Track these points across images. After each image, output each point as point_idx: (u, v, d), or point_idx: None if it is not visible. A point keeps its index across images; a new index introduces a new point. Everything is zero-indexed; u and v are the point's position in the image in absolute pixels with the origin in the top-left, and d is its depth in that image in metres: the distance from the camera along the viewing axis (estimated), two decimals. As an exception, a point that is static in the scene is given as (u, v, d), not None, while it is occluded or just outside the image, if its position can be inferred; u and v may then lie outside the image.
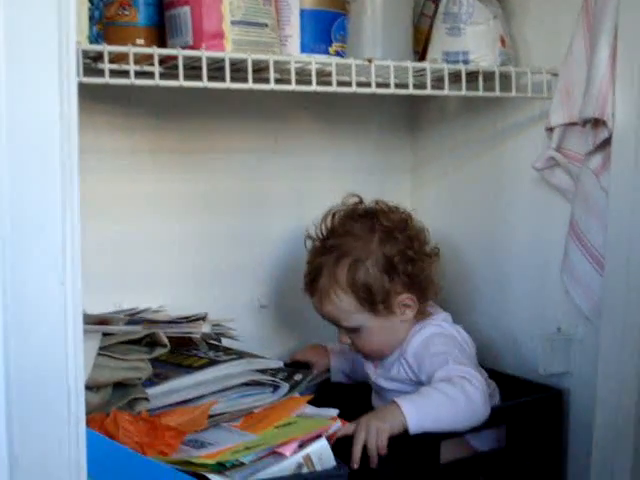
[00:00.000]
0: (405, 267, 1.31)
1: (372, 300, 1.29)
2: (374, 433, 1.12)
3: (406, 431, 1.14)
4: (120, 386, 1.02)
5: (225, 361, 1.15)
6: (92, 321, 1.09)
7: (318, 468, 1.03)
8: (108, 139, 1.42)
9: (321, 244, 1.36)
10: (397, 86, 1.21)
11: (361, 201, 1.39)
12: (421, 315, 1.35)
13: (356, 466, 1.09)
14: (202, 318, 1.22)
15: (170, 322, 1.19)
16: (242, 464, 0.98)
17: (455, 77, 1.27)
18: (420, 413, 1.15)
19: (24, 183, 0.66)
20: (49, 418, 0.70)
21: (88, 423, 0.88)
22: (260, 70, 1.14)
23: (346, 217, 1.37)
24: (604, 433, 1.18)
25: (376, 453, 1.11)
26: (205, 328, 1.16)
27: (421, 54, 1.40)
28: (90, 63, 1.07)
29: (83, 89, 1.22)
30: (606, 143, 1.18)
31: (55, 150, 0.70)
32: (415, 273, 1.32)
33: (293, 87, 1.12)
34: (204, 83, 1.07)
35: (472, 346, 1.36)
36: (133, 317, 1.21)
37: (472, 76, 1.28)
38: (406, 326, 1.33)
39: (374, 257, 1.30)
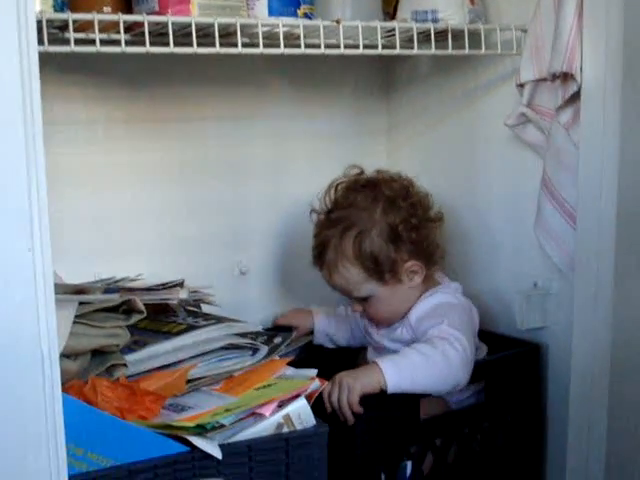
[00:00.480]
0: (410, 235, 1.32)
1: (379, 270, 1.31)
2: (345, 390, 1.14)
3: (383, 391, 1.16)
4: (98, 353, 1.03)
5: (204, 326, 1.15)
6: (69, 290, 1.10)
7: (298, 427, 1.05)
8: (82, 110, 1.42)
9: (325, 217, 1.38)
10: (367, 47, 1.21)
11: (362, 172, 1.41)
12: (430, 281, 1.38)
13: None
14: (179, 285, 1.23)
15: (147, 289, 1.20)
16: (222, 426, 1.00)
17: (425, 36, 1.27)
18: (399, 374, 1.18)
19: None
20: (24, 384, 0.71)
21: (67, 391, 0.90)
22: (228, 35, 1.14)
23: (348, 189, 1.38)
24: (580, 384, 1.21)
25: (347, 410, 1.14)
26: (182, 294, 1.17)
27: (392, 15, 1.40)
28: (57, 33, 1.07)
29: (54, 61, 1.23)
30: (575, 97, 1.19)
31: (18, 119, 0.70)
32: (420, 240, 1.33)
33: (261, 50, 1.12)
34: (170, 49, 1.06)
35: (476, 318, 1.38)
36: (110, 286, 1.22)
37: (442, 35, 1.28)
38: (415, 292, 1.35)
39: (379, 227, 1.31)
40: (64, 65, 1.31)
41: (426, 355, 1.20)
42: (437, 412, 1.28)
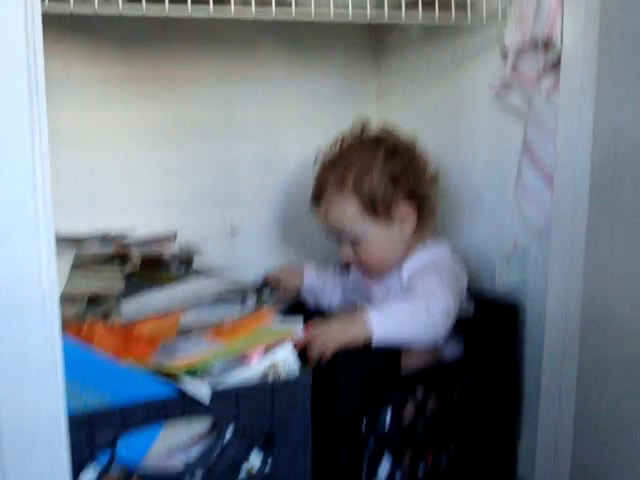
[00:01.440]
0: (407, 181, 1.39)
1: (375, 206, 1.37)
2: (330, 341, 1.20)
3: (369, 341, 1.22)
4: (94, 300, 1.08)
5: (195, 278, 1.20)
6: (67, 241, 1.15)
7: (283, 374, 1.09)
8: (77, 69, 1.46)
9: (329, 162, 1.44)
10: (356, 14, 1.25)
11: (366, 124, 1.47)
12: (420, 237, 1.43)
13: (311, 366, 1.17)
14: (172, 238, 1.28)
15: (141, 242, 1.25)
16: (211, 370, 1.04)
17: (414, 4, 1.31)
18: (385, 327, 1.23)
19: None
20: (27, 323, 0.76)
21: (66, 332, 0.94)
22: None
23: (354, 138, 1.45)
24: (553, 340, 1.26)
25: (327, 353, 1.20)
26: (174, 246, 1.22)
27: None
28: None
29: (50, 19, 1.26)
30: (556, 64, 1.23)
31: (23, 76, 0.75)
32: (416, 188, 1.40)
33: (253, 16, 1.16)
34: (166, 12, 1.10)
35: (464, 278, 1.43)
36: (106, 237, 1.26)
37: (431, 3, 1.31)
38: (405, 243, 1.41)
39: (379, 168, 1.38)
40: (60, 24, 1.34)
41: (411, 307, 1.27)
42: (429, 364, 1.35)
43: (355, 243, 1.40)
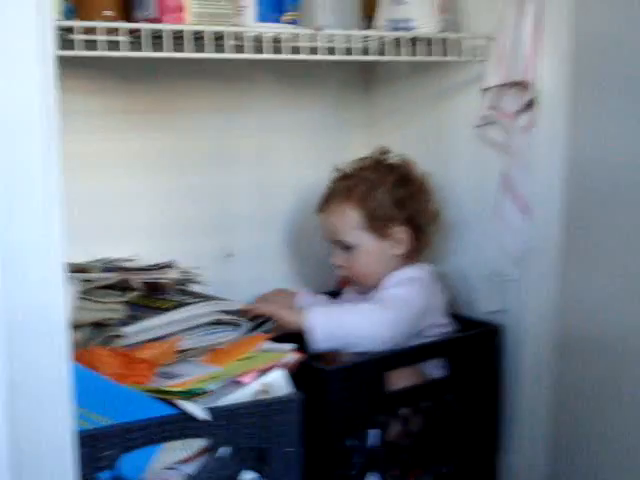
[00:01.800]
0: (409, 208, 1.49)
1: (374, 221, 1.47)
2: (271, 307, 1.34)
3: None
4: (98, 326, 1.14)
5: (192, 303, 1.27)
6: (71, 269, 1.21)
7: (275, 395, 1.15)
8: (81, 101, 1.51)
9: (343, 175, 1.54)
10: (347, 51, 1.33)
11: (387, 152, 1.58)
12: (409, 260, 1.52)
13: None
14: (169, 265, 1.35)
15: (141, 269, 1.31)
16: (207, 392, 1.10)
17: (397, 44, 1.38)
18: (325, 322, 1.33)
19: (13, 152, 0.78)
20: (43, 353, 0.83)
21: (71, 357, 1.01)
22: (219, 38, 1.25)
23: (372, 160, 1.56)
24: (531, 361, 1.33)
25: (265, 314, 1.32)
26: (173, 274, 1.29)
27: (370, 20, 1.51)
28: (62, 34, 1.17)
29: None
30: (533, 103, 1.31)
31: (37, 118, 0.82)
32: (415, 217, 1.50)
33: (247, 56, 1.23)
34: (167, 54, 1.18)
35: (439, 295, 1.52)
36: (107, 265, 1.33)
37: (416, 40, 1.39)
38: (394, 263, 1.50)
39: (386, 189, 1.49)
40: (65, 59, 1.41)
41: (346, 309, 1.39)
42: (415, 382, 1.42)
43: (348, 251, 1.49)
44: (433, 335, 1.47)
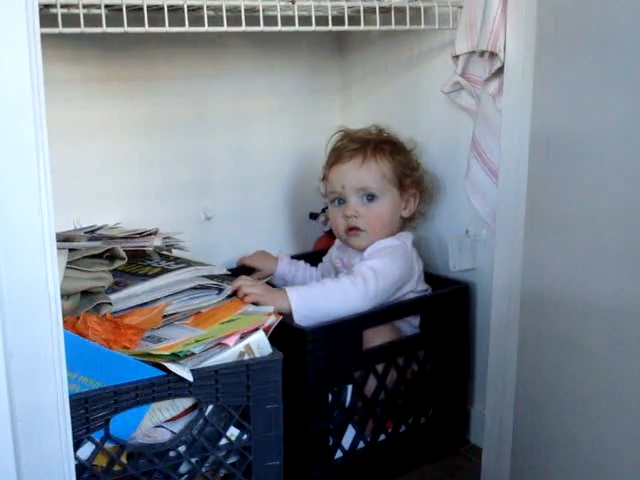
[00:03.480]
0: (418, 175, 1.61)
1: (400, 176, 1.56)
2: (252, 288, 1.37)
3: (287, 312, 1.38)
4: (87, 294, 1.19)
5: (176, 269, 1.31)
6: (58, 239, 1.25)
7: (257, 355, 1.21)
8: (60, 70, 1.54)
9: (357, 137, 1.60)
10: (319, 21, 1.36)
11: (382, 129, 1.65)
12: (404, 226, 1.61)
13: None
14: (153, 233, 1.39)
15: (125, 237, 1.36)
16: (193, 354, 1.16)
17: (373, 10, 1.42)
18: (303, 303, 1.39)
19: (4, 136, 0.83)
20: (36, 321, 0.88)
21: (63, 325, 1.06)
22: (196, 10, 1.28)
23: (377, 130, 1.63)
24: (498, 316, 1.40)
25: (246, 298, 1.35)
26: (156, 241, 1.33)
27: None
28: (42, 9, 1.20)
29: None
30: (500, 71, 1.36)
31: (28, 106, 0.85)
32: (422, 183, 1.61)
33: (225, 29, 1.26)
34: (145, 28, 1.20)
35: (420, 262, 1.58)
36: (93, 234, 1.37)
37: (388, 9, 1.43)
38: (393, 227, 1.57)
39: (406, 153, 1.60)
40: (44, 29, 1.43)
41: (327, 288, 1.42)
42: (393, 339, 1.49)
43: (369, 201, 1.55)
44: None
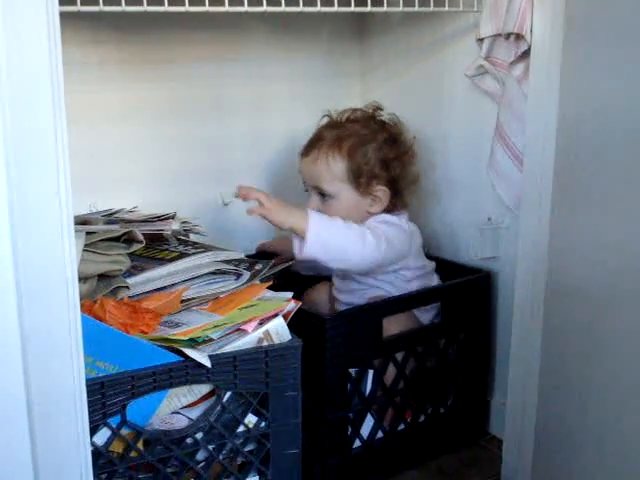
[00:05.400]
0: (392, 170, 1.51)
1: (358, 176, 1.48)
2: (269, 209, 1.36)
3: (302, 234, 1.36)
4: (104, 277, 1.17)
5: (194, 254, 1.30)
6: (76, 222, 1.23)
7: (276, 341, 1.20)
8: (77, 53, 1.52)
9: (333, 123, 1.55)
10: (341, 2, 1.33)
11: (380, 108, 1.59)
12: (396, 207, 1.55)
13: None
14: (172, 216, 1.37)
15: (143, 221, 1.34)
16: (211, 339, 1.15)
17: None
18: (321, 226, 1.36)
19: (23, 116, 0.80)
20: (53, 303, 0.86)
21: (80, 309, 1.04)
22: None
23: (364, 114, 1.56)
24: (522, 304, 1.37)
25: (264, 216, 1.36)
26: (175, 225, 1.31)
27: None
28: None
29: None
30: (526, 54, 1.33)
31: (46, 86, 0.83)
32: (397, 180, 1.52)
33: (246, 8, 1.24)
34: (165, 7, 1.18)
35: (417, 238, 1.55)
36: (110, 217, 1.36)
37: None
38: (367, 217, 1.51)
39: (375, 147, 1.50)
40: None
41: (348, 225, 1.39)
42: (411, 327, 1.46)
43: (325, 199, 1.50)
44: (412, 276, 1.52)
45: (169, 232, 1.33)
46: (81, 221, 1.26)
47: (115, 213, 1.43)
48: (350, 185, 1.49)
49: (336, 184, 1.49)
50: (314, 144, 1.52)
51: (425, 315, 1.52)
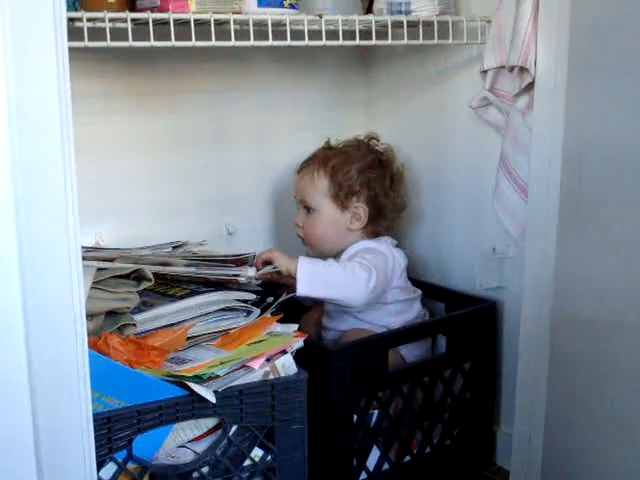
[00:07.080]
0: (375, 189, 1.57)
1: (338, 191, 1.55)
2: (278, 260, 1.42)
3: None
4: (112, 314, 1.17)
5: (205, 292, 1.29)
6: (157, 262, 1.27)
7: (282, 375, 1.19)
8: (82, 84, 1.52)
9: (329, 146, 1.63)
10: (346, 35, 1.34)
11: (375, 138, 1.66)
12: (367, 235, 1.58)
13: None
14: (244, 260, 1.41)
15: (220, 261, 1.36)
16: (217, 376, 1.13)
17: (400, 23, 1.40)
18: (312, 270, 1.41)
19: (32, 158, 0.81)
20: (61, 340, 0.86)
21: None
22: (222, 24, 1.27)
23: (358, 140, 1.66)
24: (528, 334, 1.37)
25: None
26: (251, 272, 1.36)
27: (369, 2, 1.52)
28: (69, 24, 1.18)
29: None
30: (530, 86, 1.33)
31: (55, 120, 0.84)
32: (378, 201, 1.57)
33: (252, 43, 1.25)
34: (172, 42, 1.19)
35: (402, 264, 1.57)
36: (191, 262, 1.34)
37: (415, 22, 1.41)
38: (350, 237, 1.56)
39: (359, 168, 1.57)
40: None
41: (340, 267, 1.44)
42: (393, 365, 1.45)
43: (309, 213, 1.57)
44: (395, 299, 1.54)
45: (244, 279, 1.34)
46: (162, 263, 1.28)
47: (181, 246, 1.47)
48: (331, 200, 1.56)
49: (319, 198, 1.56)
50: (307, 162, 1.60)
51: (412, 352, 1.52)
